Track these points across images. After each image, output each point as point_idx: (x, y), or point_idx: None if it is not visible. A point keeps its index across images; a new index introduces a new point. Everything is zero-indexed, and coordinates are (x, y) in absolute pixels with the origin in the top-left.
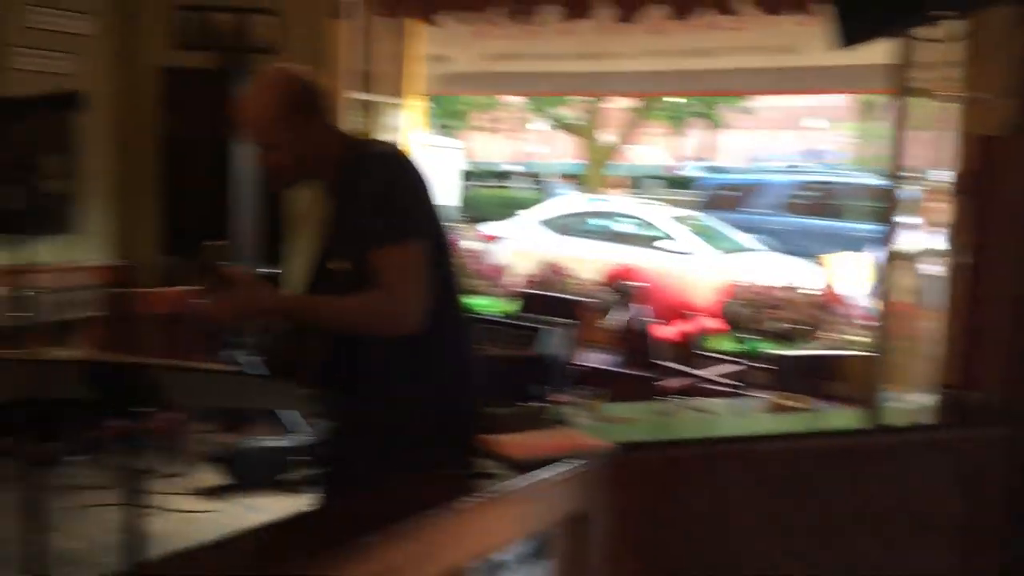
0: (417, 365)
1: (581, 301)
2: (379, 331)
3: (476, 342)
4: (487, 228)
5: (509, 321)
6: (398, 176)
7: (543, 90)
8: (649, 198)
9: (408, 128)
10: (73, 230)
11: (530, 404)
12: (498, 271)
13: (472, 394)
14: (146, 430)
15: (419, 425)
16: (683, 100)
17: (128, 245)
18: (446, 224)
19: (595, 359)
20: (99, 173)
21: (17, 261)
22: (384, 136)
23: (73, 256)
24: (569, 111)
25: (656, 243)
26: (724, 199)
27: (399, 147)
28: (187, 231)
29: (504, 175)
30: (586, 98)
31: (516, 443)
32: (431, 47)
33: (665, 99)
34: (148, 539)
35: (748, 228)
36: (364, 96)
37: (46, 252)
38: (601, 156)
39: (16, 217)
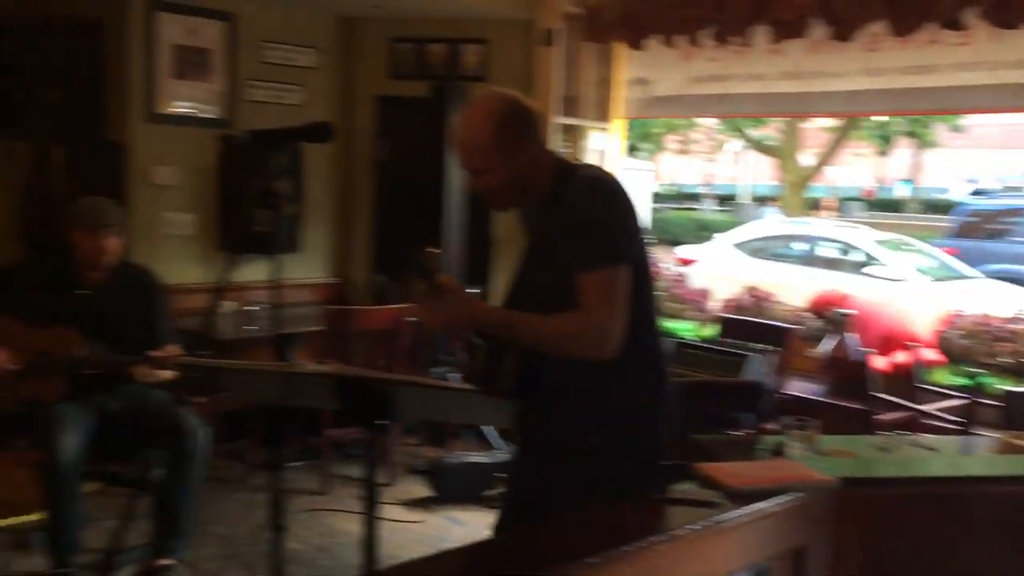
0: (611, 386)
1: (786, 327)
2: (575, 354)
3: (670, 366)
4: (682, 251)
5: (712, 346)
6: (607, 200)
7: (747, 111)
8: (855, 221)
9: (610, 152)
10: (296, 249)
11: (739, 432)
12: (696, 295)
13: (664, 418)
14: (358, 440)
15: (609, 445)
16: (890, 118)
17: (344, 264)
18: (648, 248)
19: (801, 388)
20: (319, 196)
21: (244, 279)
22: (587, 160)
23: (294, 274)
24: (767, 131)
25: (864, 269)
26: (978, 225)
27: (607, 171)
28: (398, 252)
29: (696, 197)
30: (789, 118)
31: (733, 472)
32: (633, 71)
33: (872, 118)
34: (372, 545)
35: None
36: (568, 121)
37: (271, 270)
38: (800, 177)
39: (262, 239)
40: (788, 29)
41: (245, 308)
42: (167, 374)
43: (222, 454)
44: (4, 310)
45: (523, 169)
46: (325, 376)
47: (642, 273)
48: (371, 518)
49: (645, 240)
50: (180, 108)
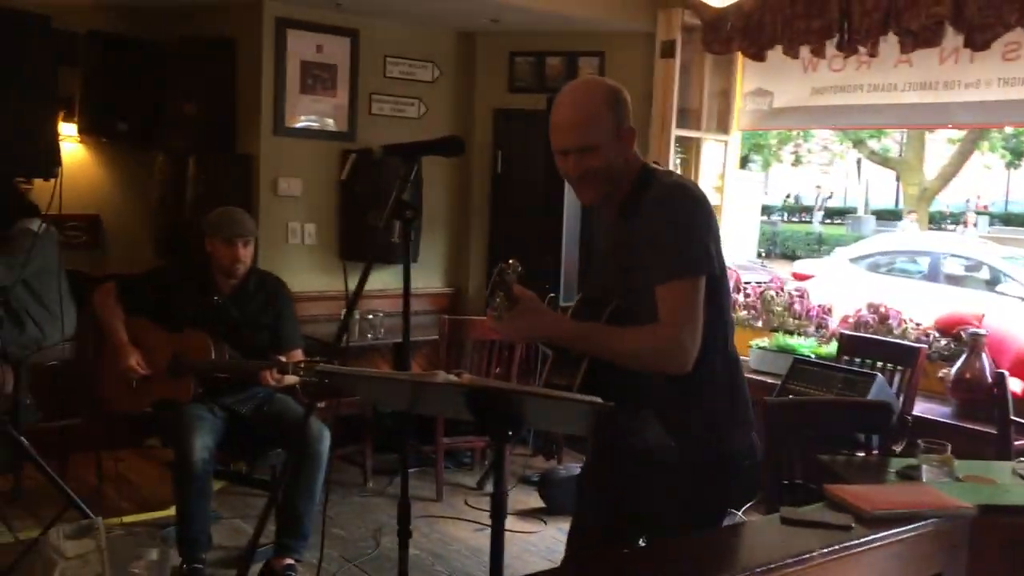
0: (684, 397)
1: (913, 346)
2: (650, 367)
3: (793, 383)
4: (798, 266)
5: (834, 364)
6: (687, 210)
7: (872, 123)
8: (984, 237)
9: (728, 164)
10: (414, 260)
11: (865, 454)
12: (813, 311)
13: (741, 428)
14: (470, 449)
15: (684, 455)
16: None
17: (459, 274)
18: (725, 258)
19: (928, 409)
20: (437, 207)
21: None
22: (703, 172)
23: (414, 283)
24: (887, 143)
25: (998, 287)
26: None
27: (687, 179)
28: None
29: (809, 210)
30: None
31: (866, 495)
32: (752, 82)
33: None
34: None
35: None
36: (685, 132)
37: (389, 279)
38: (923, 190)
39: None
40: (919, 38)
41: (367, 316)
42: (292, 379)
43: (339, 458)
44: (142, 313)
45: (619, 158)
46: (457, 387)
47: (720, 283)
48: (498, 529)
49: (721, 249)
50: (305, 122)
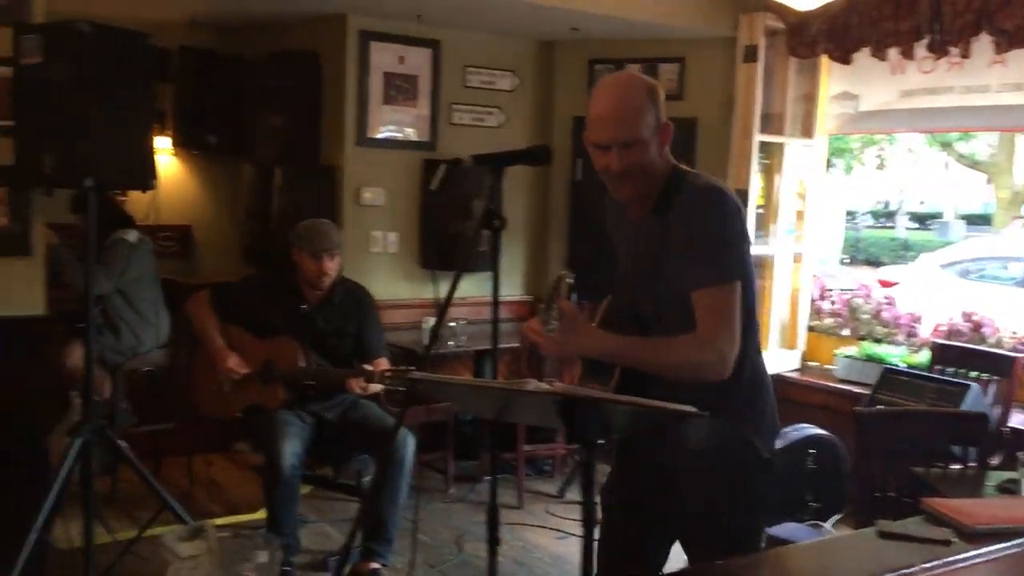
0: (721, 401)
1: (1011, 355)
2: (690, 378)
3: (879, 391)
4: (884, 272)
5: (926, 374)
6: (723, 214)
7: (964, 125)
8: None
9: (812, 169)
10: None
11: (962, 467)
12: (903, 319)
13: (771, 435)
14: (551, 457)
15: (718, 461)
16: None
17: (538, 282)
18: (752, 263)
19: None
20: (516, 215)
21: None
22: (786, 177)
23: (487, 291)
24: (976, 145)
25: None
26: None
27: (719, 182)
28: (590, 271)
29: (893, 215)
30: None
31: (966, 509)
32: (837, 85)
33: None
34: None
35: None
36: (768, 138)
37: (469, 287)
38: (1014, 194)
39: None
40: (1014, 38)
41: (448, 324)
42: (377, 387)
43: (421, 464)
44: (233, 320)
45: (658, 155)
46: (549, 395)
47: (750, 287)
48: (588, 539)
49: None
50: (387, 132)
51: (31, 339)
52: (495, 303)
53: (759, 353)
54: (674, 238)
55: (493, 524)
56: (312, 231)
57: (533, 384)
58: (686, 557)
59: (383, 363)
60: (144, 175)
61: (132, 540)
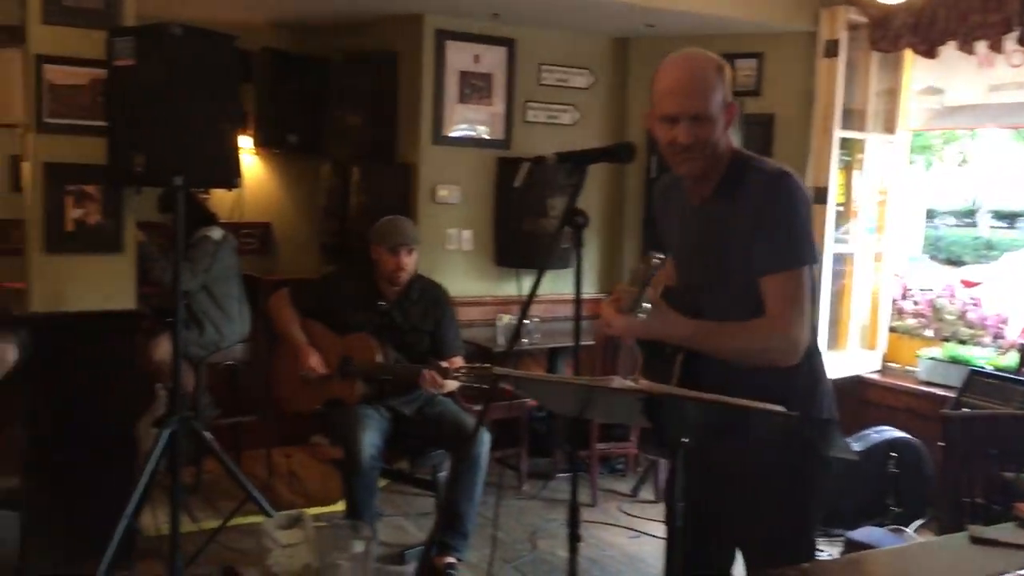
0: (784, 391)
1: None
2: (762, 362)
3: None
4: (967, 272)
5: (1016, 377)
6: (794, 199)
7: None
8: None
9: (895, 165)
10: (568, 265)
11: None
12: (989, 320)
13: (825, 434)
14: (624, 455)
15: (781, 455)
16: None
17: (612, 279)
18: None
19: None
20: (590, 212)
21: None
22: (868, 175)
23: (564, 289)
24: None
25: None
26: None
27: (786, 167)
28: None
29: (974, 213)
30: None
31: None
32: (922, 80)
33: None
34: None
35: None
36: (849, 134)
37: (543, 284)
38: None
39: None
40: None
41: (522, 321)
42: (452, 384)
43: (494, 461)
44: (313, 317)
45: (723, 133)
46: (635, 393)
47: (813, 277)
48: (674, 536)
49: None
50: (462, 130)
51: (122, 333)
52: (577, 300)
53: (816, 342)
54: (743, 221)
55: (574, 521)
56: (389, 227)
57: (618, 381)
58: (743, 558)
59: (458, 361)
60: (230, 174)
61: (217, 529)
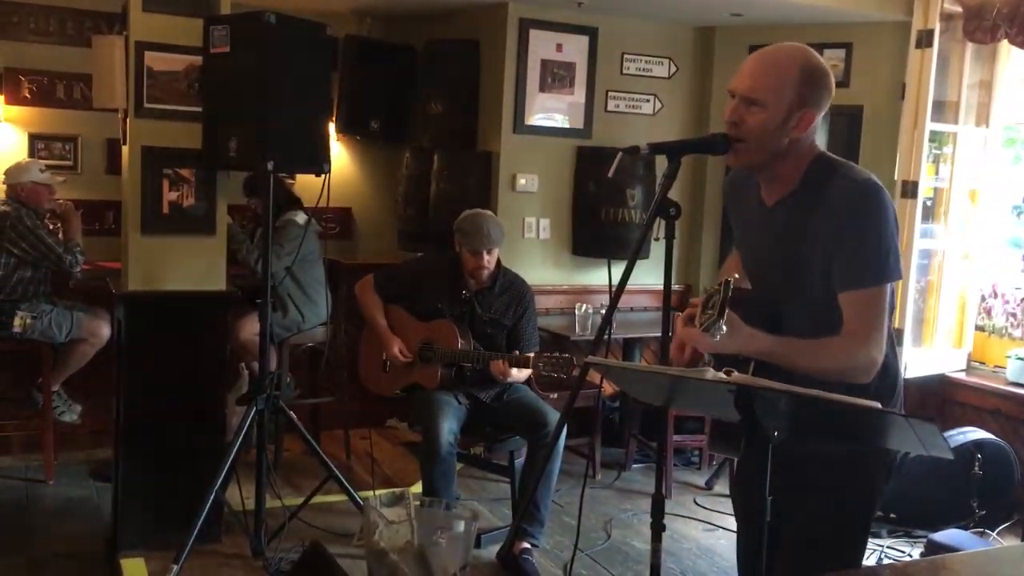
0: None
1: None
2: (838, 378)
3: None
4: None
5: None
6: (886, 212)
7: None
8: None
9: (988, 159)
10: (647, 256)
11: None
12: None
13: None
14: (698, 448)
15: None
16: None
17: (690, 270)
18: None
19: None
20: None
21: (594, 282)
22: (962, 168)
23: (641, 280)
24: None
25: None
26: None
27: (872, 176)
28: None
29: None
30: None
31: None
32: (1019, 71)
33: None
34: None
35: None
36: (941, 127)
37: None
38: None
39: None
40: None
41: (599, 311)
42: (524, 374)
43: (567, 449)
44: (398, 302)
45: (790, 132)
46: (726, 384)
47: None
48: (759, 530)
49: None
50: (542, 119)
51: (213, 313)
52: (667, 291)
53: (895, 351)
54: (824, 229)
55: (659, 511)
56: (472, 228)
57: (711, 373)
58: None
59: (533, 354)
60: (319, 159)
61: (299, 506)
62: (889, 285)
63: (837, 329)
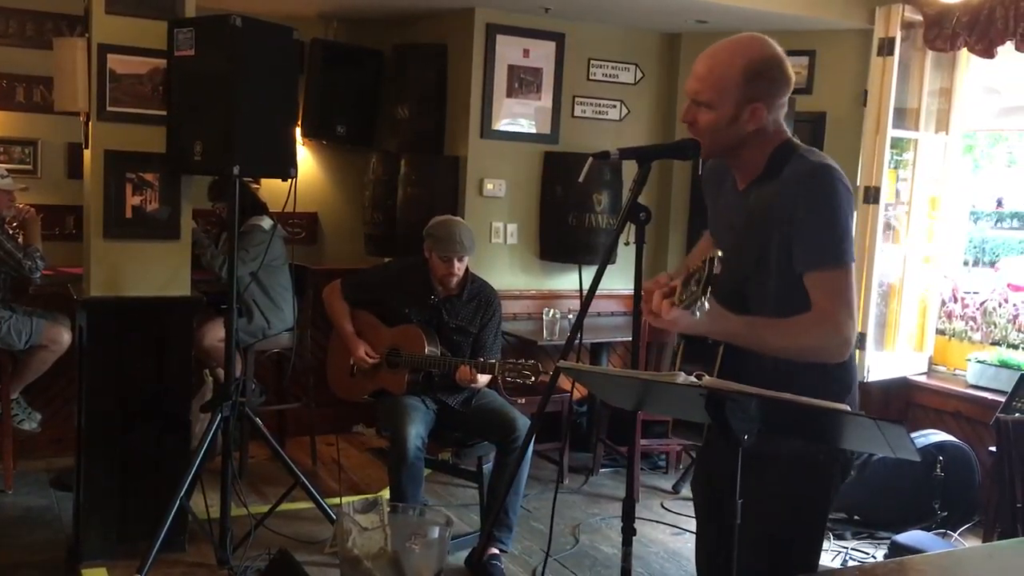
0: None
1: None
2: (811, 358)
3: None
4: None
5: None
6: (843, 193)
7: None
8: None
9: (946, 166)
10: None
11: None
12: None
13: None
14: (665, 452)
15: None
16: None
17: (654, 274)
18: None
19: None
20: None
21: (560, 287)
22: (922, 175)
23: (608, 284)
24: None
25: None
26: None
27: (829, 158)
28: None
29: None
30: None
31: None
32: (978, 79)
33: None
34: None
35: None
36: (902, 133)
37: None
38: None
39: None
40: None
41: (567, 316)
42: (484, 380)
43: (535, 454)
44: (365, 307)
45: (743, 127)
46: (697, 388)
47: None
48: (730, 533)
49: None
50: (510, 124)
51: (177, 318)
52: (637, 295)
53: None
54: (783, 210)
55: (629, 514)
56: (445, 234)
57: (683, 377)
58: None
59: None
60: (286, 164)
61: (266, 514)
62: (852, 269)
63: (803, 313)
